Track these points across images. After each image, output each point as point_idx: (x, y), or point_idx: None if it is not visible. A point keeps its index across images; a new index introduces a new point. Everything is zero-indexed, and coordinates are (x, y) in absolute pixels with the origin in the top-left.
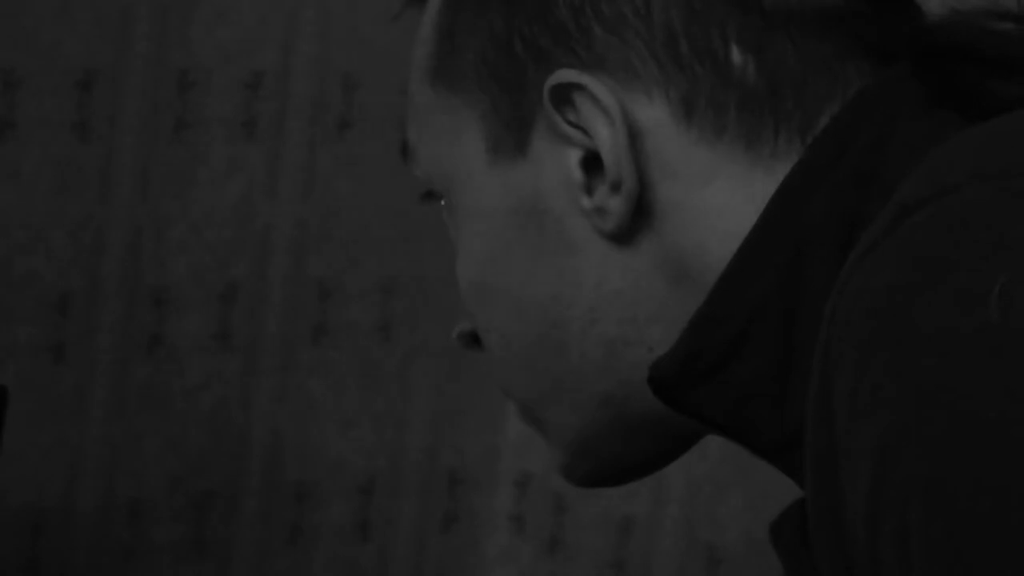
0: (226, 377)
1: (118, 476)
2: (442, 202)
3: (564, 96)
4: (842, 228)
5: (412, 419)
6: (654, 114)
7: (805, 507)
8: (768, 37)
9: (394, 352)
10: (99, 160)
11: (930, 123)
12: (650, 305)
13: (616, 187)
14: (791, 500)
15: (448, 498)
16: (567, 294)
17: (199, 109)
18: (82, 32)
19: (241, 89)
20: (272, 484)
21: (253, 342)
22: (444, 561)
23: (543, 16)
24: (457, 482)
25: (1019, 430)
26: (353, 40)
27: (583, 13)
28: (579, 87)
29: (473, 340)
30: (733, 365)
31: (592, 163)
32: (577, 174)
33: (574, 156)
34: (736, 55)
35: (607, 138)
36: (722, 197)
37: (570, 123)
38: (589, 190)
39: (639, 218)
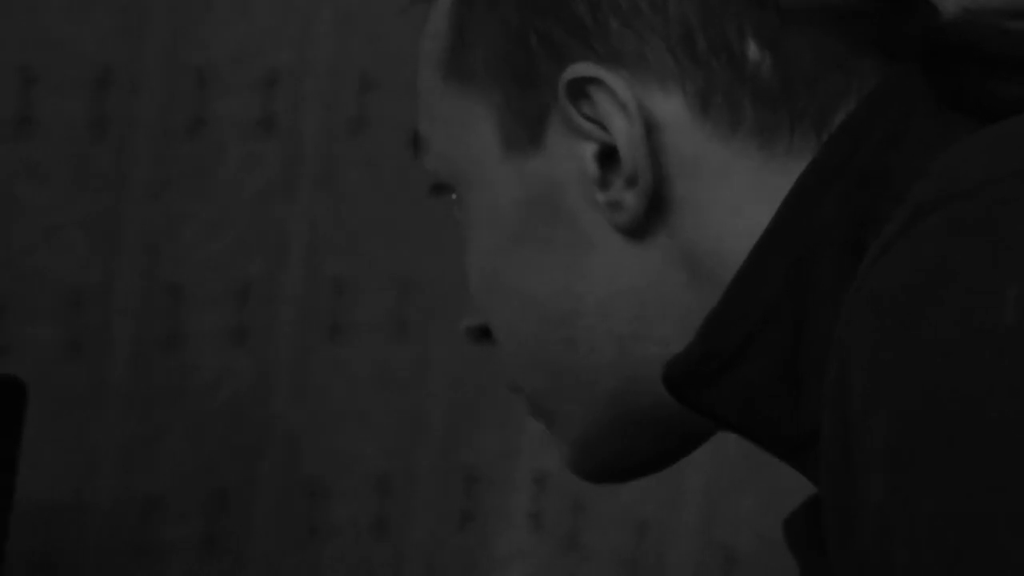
0: (241, 374)
1: (133, 472)
2: (452, 195)
3: (580, 90)
4: (852, 228)
5: (428, 417)
6: (670, 108)
7: (818, 505)
8: (784, 33)
9: (410, 350)
10: (116, 157)
11: (942, 123)
12: (662, 301)
13: (632, 181)
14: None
15: (464, 496)
16: (579, 288)
17: (216, 107)
18: (99, 30)
19: (258, 87)
20: (287, 481)
21: (269, 339)
22: (460, 559)
23: (558, 10)
24: (473, 480)
25: None
26: (370, 38)
27: (600, 7)
28: (595, 81)
29: (482, 334)
30: (746, 364)
31: (607, 157)
32: (592, 168)
33: (589, 150)
34: (752, 51)
35: (623, 132)
36: (737, 194)
37: (586, 117)
38: (604, 184)
39: (653, 213)
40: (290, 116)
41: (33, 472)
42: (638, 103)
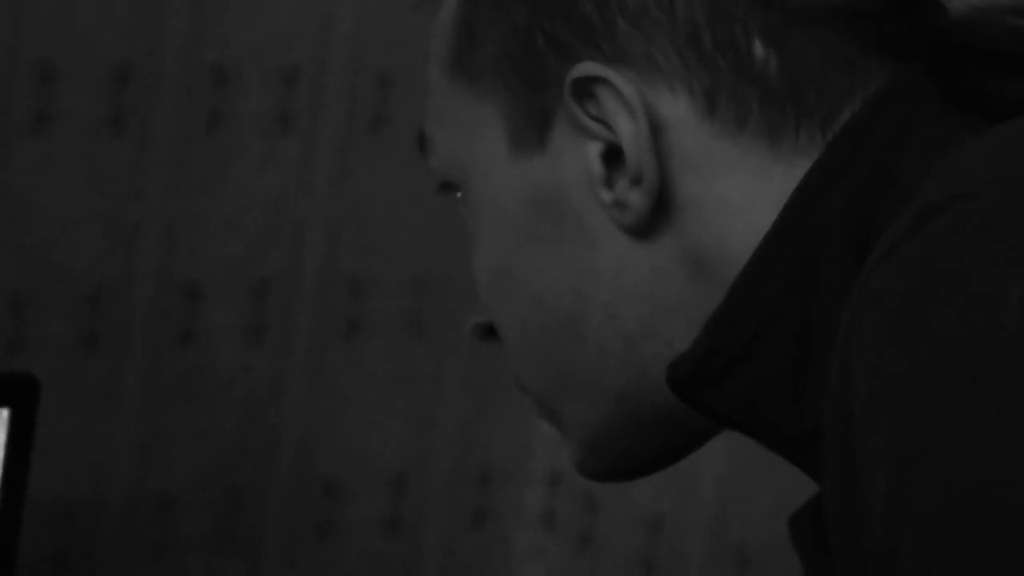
0: (257, 371)
1: (148, 469)
2: (458, 194)
3: (585, 89)
4: (857, 228)
5: (443, 415)
6: (676, 108)
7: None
8: (790, 33)
9: (426, 348)
10: (133, 154)
11: (948, 123)
12: (669, 299)
13: (637, 180)
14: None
15: (479, 495)
16: (585, 288)
17: (234, 104)
18: (117, 26)
19: (276, 84)
20: (302, 479)
21: (285, 337)
22: (474, 558)
23: (565, 10)
24: (488, 479)
25: None
26: (388, 36)
27: (607, 7)
28: (601, 80)
29: (489, 332)
30: (750, 364)
31: (613, 156)
32: (597, 167)
33: (595, 149)
34: (758, 50)
35: (629, 131)
36: (742, 192)
37: (591, 116)
38: (609, 183)
39: (659, 212)
40: (308, 113)
41: (47, 469)
42: (644, 102)
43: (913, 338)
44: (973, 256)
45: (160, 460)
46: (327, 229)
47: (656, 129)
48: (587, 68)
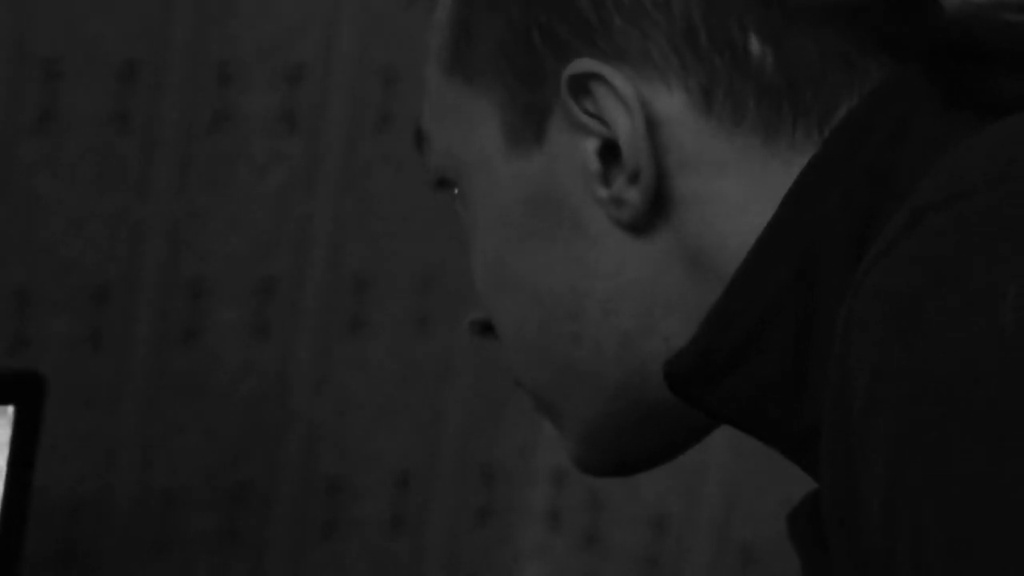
0: (263, 369)
1: (154, 466)
2: (455, 191)
3: (582, 86)
4: (856, 225)
5: (448, 413)
6: (673, 104)
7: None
8: (787, 30)
9: (431, 346)
10: (138, 152)
11: (946, 121)
12: (666, 296)
13: (634, 177)
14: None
15: (483, 493)
16: (583, 284)
17: (239, 102)
18: (123, 24)
19: (281, 82)
20: (307, 476)
21: (290, 334)
22: (478, 556)
23: (562, 6)
24: (492, 477)
25: None
26: (393, 33)
27: (603, 4)
28: (597, 77)
29: (486, 329)
30: (748, 362)
31: (609, 153)
32: (594, 164)
33: (591, 146)
34: (755, 47)
35: (625, 128)
36: (739, 189)
37: (588, 113)
38: (606, 180)
39: (656, 209)
40: (314, 112)
41: (53, 466)
42: (640, 99)
43: (911, 335)
44: (972, 254)
45: (165, 457)
46: (333, 227)
47: (652, 126)
48: (583, 65)
